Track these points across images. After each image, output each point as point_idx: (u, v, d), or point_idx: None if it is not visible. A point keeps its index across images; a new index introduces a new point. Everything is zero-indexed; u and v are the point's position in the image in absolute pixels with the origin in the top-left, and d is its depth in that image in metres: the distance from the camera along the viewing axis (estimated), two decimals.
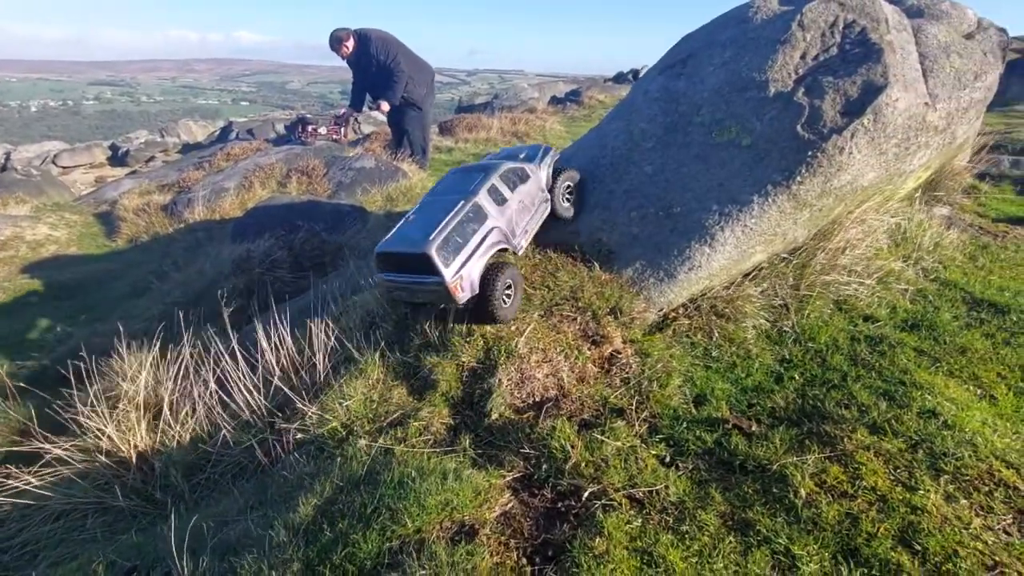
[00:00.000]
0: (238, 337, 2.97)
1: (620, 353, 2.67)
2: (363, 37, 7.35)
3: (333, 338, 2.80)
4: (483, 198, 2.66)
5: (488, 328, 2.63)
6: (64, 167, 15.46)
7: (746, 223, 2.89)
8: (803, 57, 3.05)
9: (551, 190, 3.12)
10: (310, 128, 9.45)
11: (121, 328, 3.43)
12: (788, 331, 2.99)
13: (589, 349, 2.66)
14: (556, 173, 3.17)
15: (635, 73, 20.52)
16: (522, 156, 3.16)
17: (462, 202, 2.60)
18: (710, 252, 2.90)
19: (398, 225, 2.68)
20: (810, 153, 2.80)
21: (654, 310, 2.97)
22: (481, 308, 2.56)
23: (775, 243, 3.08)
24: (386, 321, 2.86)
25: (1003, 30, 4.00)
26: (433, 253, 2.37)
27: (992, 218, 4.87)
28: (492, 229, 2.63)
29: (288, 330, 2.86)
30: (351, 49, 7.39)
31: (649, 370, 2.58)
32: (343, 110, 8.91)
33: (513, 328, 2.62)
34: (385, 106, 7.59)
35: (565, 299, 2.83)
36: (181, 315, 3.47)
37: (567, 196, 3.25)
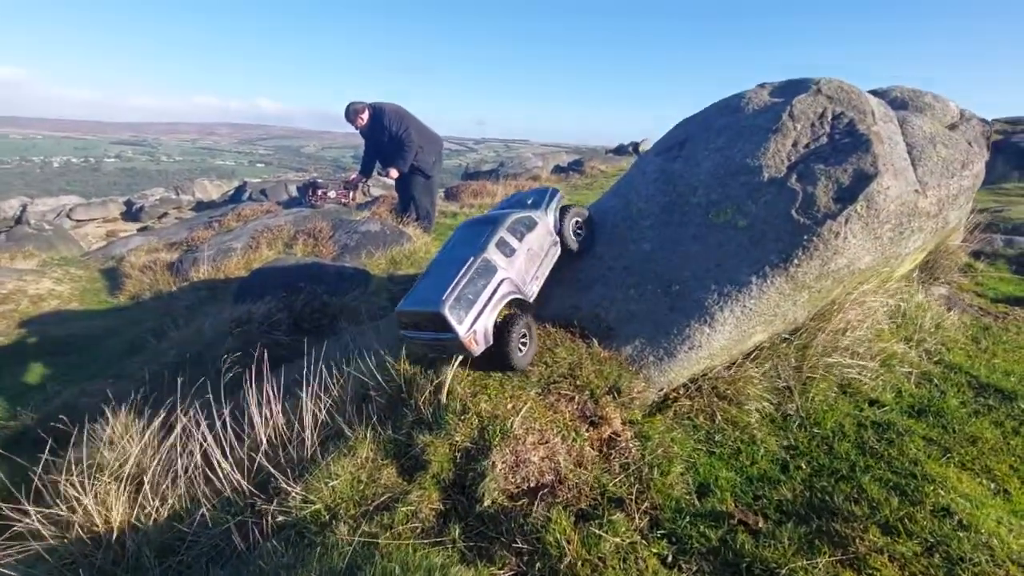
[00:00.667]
0: (228, 406, 2.89)
1: (619, 435, 2.58)
2: (377, 110, 7.75)
3: (324, 411, 2.73)
4: (492, 252, 2.77)
5: (483, 405, 2.56)
6: (78, 220, 15.87)
7: (745, 303, 2.89)
8: (795, 145, 3.17)
9: (560, 231, 3.23)
10: (320, 192, 9.75)
11: (109, 391, 3.36)
12: (792, 415, 2.91)
13: (587, 431, 2.58)
14: (563, 212, 3.29)
15: (635, 145, 21.43)
16: (530, 202, 3.29)
17: (472, 258, 2.72)
18: (710, 332, 2.88)
19: (416, 283, 2.79)
20: (806, 237, 2.85)
21: (654, 390, 2.91)
22: (497, 358, 2.63)
23: (775, 323, 3.06)
24: (380, 394, 2.80)
25: (985, 120, 4.19)
26: (446, 312, 2.48)
27: (991, 298, 4.88)
28: (503, 281, 2.73)
29: (279, 400, 2.79)
30: (366, 121, 7.77)
31: (650, 455, 2.48)
32: (353, 176, 9.23)
33: (509, 406, 2.55)
34: (394, 173, 7.88)
35: (563, 376, 2.78)
36: (175, 378, 3.40)
37: (577, 232, 3.37)
